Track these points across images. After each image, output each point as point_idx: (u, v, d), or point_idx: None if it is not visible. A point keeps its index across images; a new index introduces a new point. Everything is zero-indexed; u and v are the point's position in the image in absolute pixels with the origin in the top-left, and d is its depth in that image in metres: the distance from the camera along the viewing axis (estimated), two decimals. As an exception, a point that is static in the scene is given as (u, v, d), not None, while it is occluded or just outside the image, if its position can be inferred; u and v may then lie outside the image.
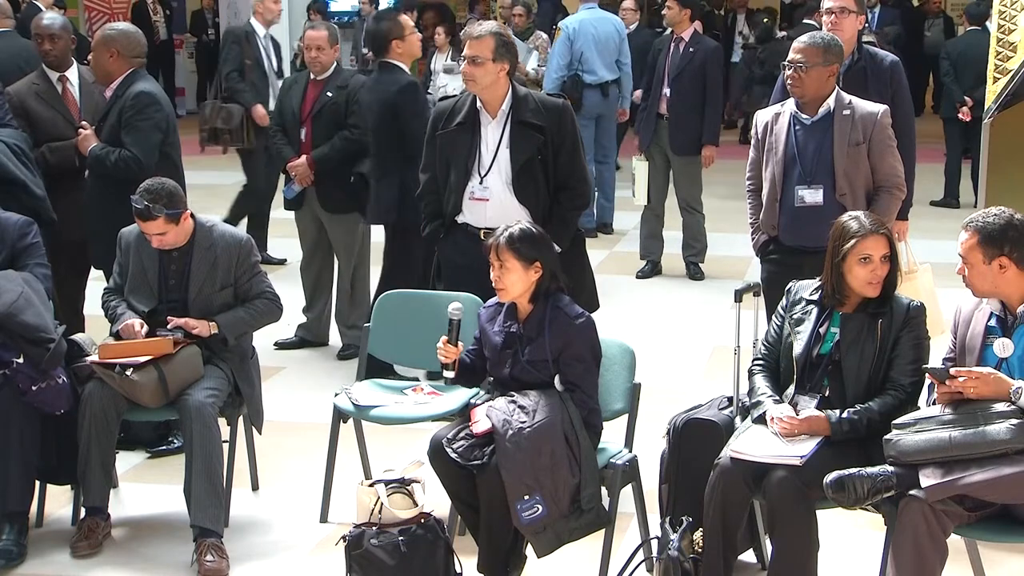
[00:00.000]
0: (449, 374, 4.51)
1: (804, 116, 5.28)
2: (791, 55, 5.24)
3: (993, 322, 4.07)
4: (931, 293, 5.73)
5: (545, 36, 11.19)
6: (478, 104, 5.28)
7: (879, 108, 5.31)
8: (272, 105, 8.44)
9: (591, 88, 9.97)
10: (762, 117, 5.44)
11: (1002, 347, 4.02)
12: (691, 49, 8.97)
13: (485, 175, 5.25)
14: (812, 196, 5.24)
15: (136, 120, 5.80)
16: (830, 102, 5.26)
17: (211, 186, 12.60)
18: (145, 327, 4.90)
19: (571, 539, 4.24)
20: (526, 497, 4.11)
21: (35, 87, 6.19)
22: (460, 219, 5.33)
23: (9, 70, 6.55)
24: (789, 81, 5.24)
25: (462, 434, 4.29)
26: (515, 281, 4.37)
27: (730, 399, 4.65)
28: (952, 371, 3.96)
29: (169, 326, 4.89)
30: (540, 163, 5.23)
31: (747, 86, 14.63)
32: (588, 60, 10.00)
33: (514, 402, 4.26)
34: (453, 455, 4.24)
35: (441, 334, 4.53)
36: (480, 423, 4.26)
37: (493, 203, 5.23)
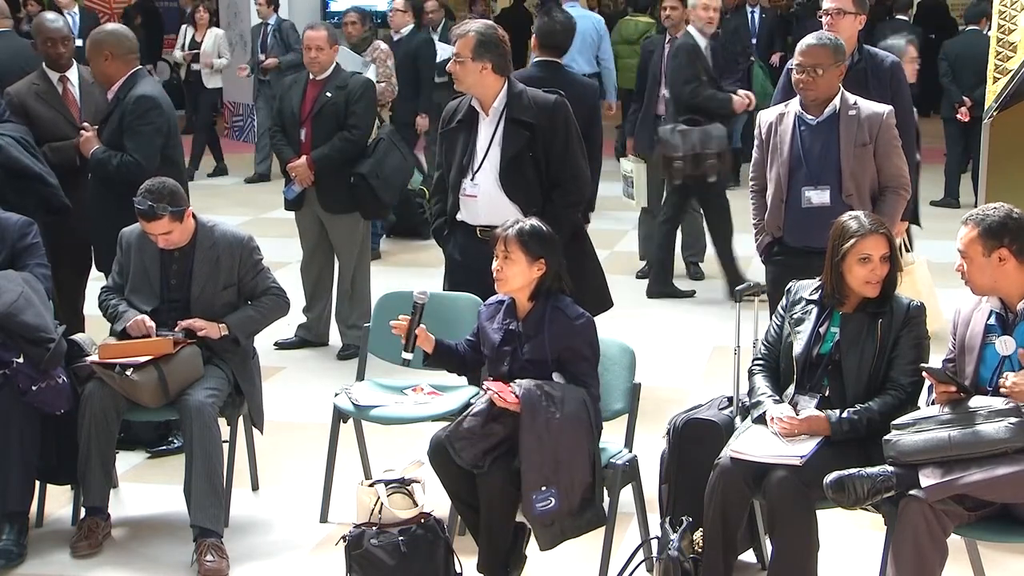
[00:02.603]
0: (407, 355, 4.51)
1: (809, 117, 5.27)
2: (800, 57, 5.21)
3: (993, 320, 4.07)
4: (929, 286, 5.74)
5: (385, 47, 9.96)
6: (474, 102, 5.30)
7: (884, 109, 5.31)
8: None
9: None
10: (765, 117, 5.43)
11: (1004, 345, 4.02)
12: None
13: (476, 172, 5.26)
14: (819, 197, 5.23)
15: (137, 124, 5.80)
16: (835, 102, 5.26)
17: (212, 186, 12.63)
18: (153, 323, 4.90)
19: (571, 536, 4.25)
20: (543, 488, 4.11)
21: (35, 87, 6.19)
22: (459, 217, 5.35)
23: (10, 70, 6.55)
24: (800, 84, 5.22)
25: (464, 437, 4.25)
26: (516, 274, 4.37)
27: (730, 399, 4.65)
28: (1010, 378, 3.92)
29: (177, 329, 4.90)
30: (532, 160, 5.23)
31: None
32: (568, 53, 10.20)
33: (541, 387, 4.22)
34: (459, 462, 4.23)
35: (441, 335, 4.55)
36: (508, 397, 4.18)
37: (482, 200, 5.25)
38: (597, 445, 4.28)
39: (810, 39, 5.26)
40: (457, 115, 5.34)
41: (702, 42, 8.38)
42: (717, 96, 8.26)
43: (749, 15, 13.58)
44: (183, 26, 13.34)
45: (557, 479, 4.12)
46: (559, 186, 5.29)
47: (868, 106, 5.30)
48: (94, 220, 5.91)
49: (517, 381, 4.27)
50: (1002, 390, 3.92)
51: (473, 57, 5.17)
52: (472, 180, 5.27)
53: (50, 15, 6.71)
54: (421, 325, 4.51)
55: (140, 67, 5.98)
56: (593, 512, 4.25)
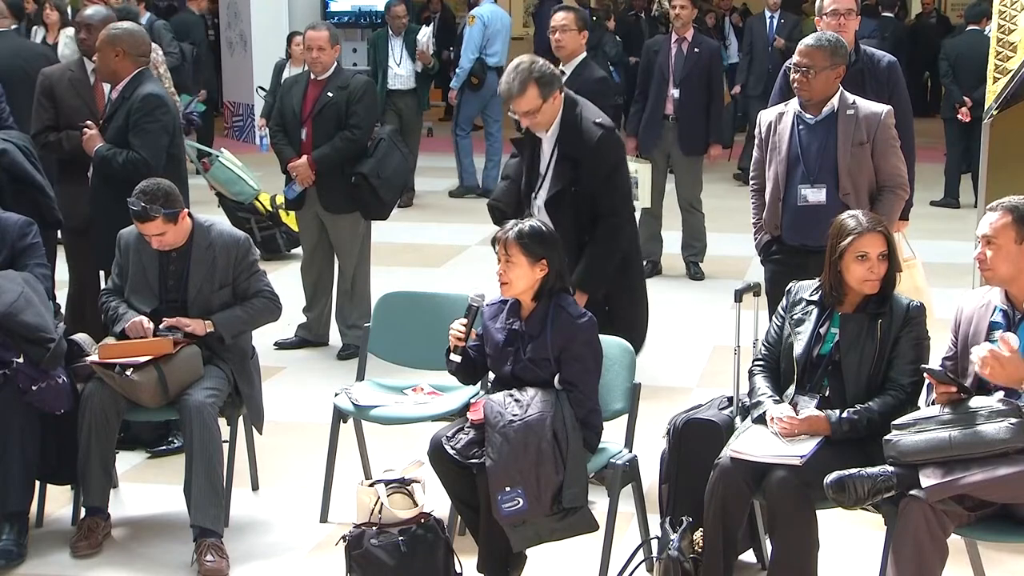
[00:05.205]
0: (456, 358, 4.51)
1: (808, 116, 5.27)
2: (797, 58, 5.21)
3: (998, 317, 4.06)
4: (923, 286, 5.73)
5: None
6: None
7: (883, 108, 5.31)
8: None
9: (492, 70, 11.66)
10: (765, 117, 5.43)
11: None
12: (695, 49, 9.04)
13: (537, 192, 5.43)
14: (815, 195, 5.23)
15: (144, 122, 5.80)
16: (834, 102, 5.26)
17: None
18: (151, 324, 4.91)
19: (552, 539, 4.23)
20: (507, 489, 4.10)
21: (70, 73, 6.19)
22: None
23: (10, 70, 6.56)
24: (796, 84, 5.23)
25: (461, 430, 4.29)
26: (520, 276, 4.37)
27: (730, 399, 4.65)
28: (985, 349, 3.90)
29: (162, 326, 4.89)
30: (572, 196, 5.33)
31: None
32: (494, 45, 11.79)
33: (511, 395, 4.28)
34: (451, 451, 4.25)
35: (441, 336, 4.53)
36: (477, 412, 4.28)
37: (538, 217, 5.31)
38: (580, 445, 4.24)
39: (809, 40, 5.27)
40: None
41: None
42: None
43: (768, 21, 13.61)
44: (33, 27, 11.37)
45: (523, 479, 4.11)
46: (599, 218, 5.37)
47: (866, 106, 5.30)
48: (96, 219, 5.90)
49: (489, 396, 4.33)
50: (972, 356, 3.90)
51: (543, 100, 5.24)
52: (535, 197, 5.44)
53: (96, 7, 6.69)
54: (475, 329, 4.52)
55: (145, 67, 5.97)
56: (581, 516, 4.21)
